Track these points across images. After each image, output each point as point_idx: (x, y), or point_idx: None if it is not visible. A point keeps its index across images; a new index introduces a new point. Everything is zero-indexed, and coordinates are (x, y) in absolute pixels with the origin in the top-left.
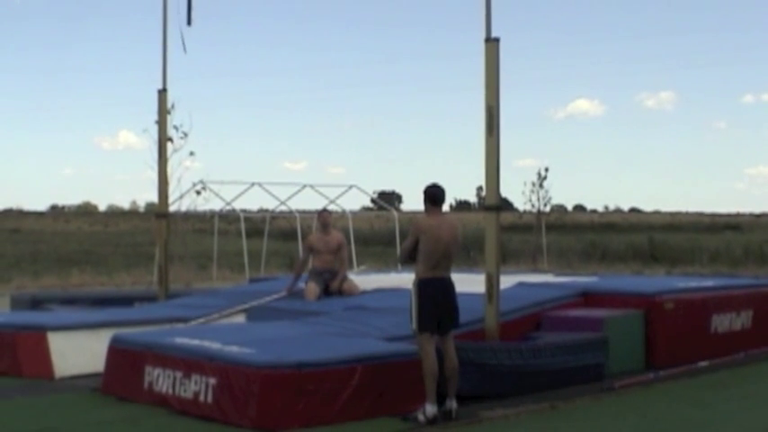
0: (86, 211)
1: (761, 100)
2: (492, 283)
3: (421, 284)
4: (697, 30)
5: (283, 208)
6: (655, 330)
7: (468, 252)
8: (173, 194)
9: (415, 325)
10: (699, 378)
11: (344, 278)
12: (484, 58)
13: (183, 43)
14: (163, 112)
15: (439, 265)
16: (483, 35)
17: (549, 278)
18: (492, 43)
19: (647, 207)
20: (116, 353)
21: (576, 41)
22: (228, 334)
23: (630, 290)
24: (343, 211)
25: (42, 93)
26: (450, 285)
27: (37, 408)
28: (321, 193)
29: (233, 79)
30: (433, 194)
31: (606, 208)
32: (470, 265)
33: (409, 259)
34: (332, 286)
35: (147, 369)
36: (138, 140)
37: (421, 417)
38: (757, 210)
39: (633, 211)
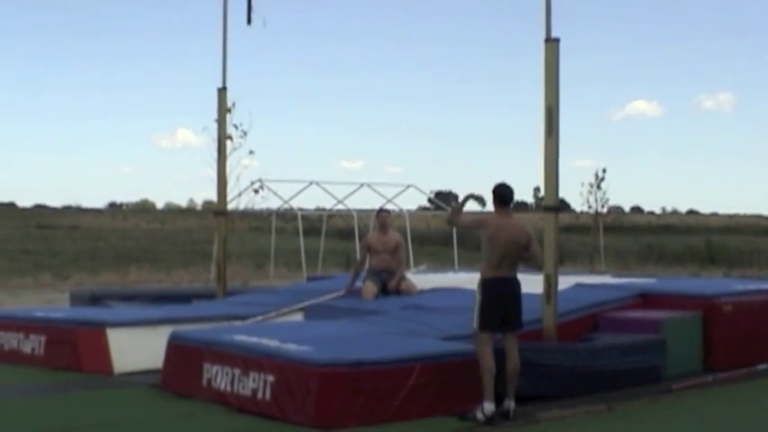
0: (144, 208)
1: None
2: (550, 283)
3: (485, 284)
4: (756, 30)
5: (340, 207)
6: (713, 332)
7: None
8: (231, 192)
9: (475, 323)
10: (757, 381)
11: (402, 277)
12: (543, 59)
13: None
14: (223, 110)
15: (501, 264)
16: (543, 35)
17: (606, 279)
18: (552, 44)
19: (705, 209)
20: (175, 349)
21: (635, 42)
22: (286, 332)
23: (689, 292)
24: (401, 211)
25: (101, 91)
26: (514, 285)
27: (96, 403)
28: (378, 193)
29: (292, 78)
30: (501, 194)
31: (664, 210)
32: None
33: (454, 221)
34: (389, 286)
35: (206, 366)
36: (196, 139)
37: (479, 415)
38: None
39: (691, 212)
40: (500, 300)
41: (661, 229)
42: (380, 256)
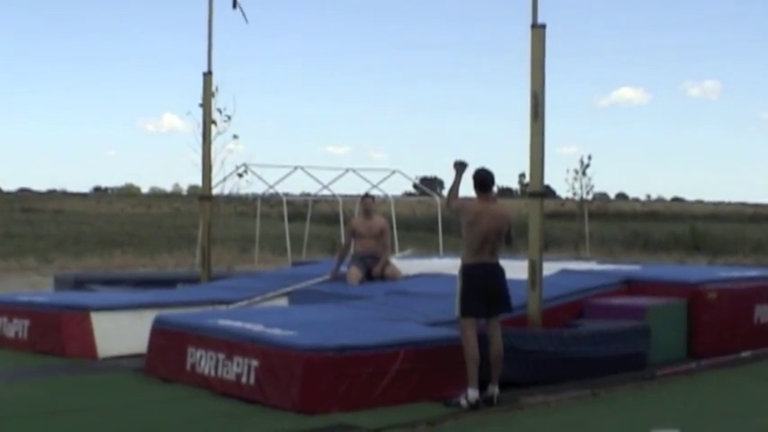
0: (129, 193)
1: None
2: (535, 269)
3: (465, 270)
4: (742, 18)
5: (326, 192)
6: (697, 319)
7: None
8: (216, 177)
9: (457, 310)
10: (741, 368)
11: (387, 263)
12: (530, 45)
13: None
14: (207, 94)
15: (481, 250)
16: (529, 21)
17: (591, 266)
18: (538, 29)
19: (690, 196)
20: (159, 334)
21: (622, 29)
22: (271, 316)
23: (674, 278)
24: (386, 196)
25: (87, 75)
26: (496, 270)
27: (80, 387)
28: (364, 178)
29: (277, 62)
30: (481, 178)
31: (649, 197)
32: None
33: (450, 203)
34: (374, 271)
35: (190, 350)
36: (182, 123)
37: (463, 401)
38: None
39: (676, 200)
40: (480, 286)
41: (646, 216)
42: (365, 241)
